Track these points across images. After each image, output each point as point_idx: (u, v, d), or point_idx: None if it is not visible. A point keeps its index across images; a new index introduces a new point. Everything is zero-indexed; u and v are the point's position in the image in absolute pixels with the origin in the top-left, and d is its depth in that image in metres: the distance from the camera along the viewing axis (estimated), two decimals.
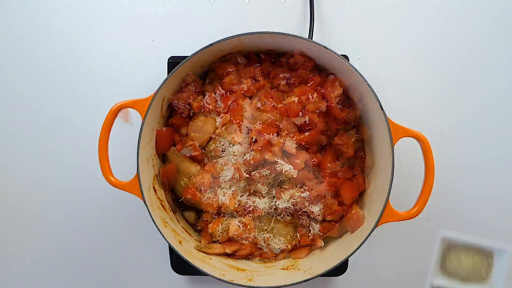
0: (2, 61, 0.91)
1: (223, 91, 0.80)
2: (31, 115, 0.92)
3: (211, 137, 0.81)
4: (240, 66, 0.81)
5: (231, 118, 0.80)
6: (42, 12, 0.91)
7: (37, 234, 0.93)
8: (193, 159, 0.82)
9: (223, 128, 0.80)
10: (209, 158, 0.81)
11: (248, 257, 0.84)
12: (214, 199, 0.80)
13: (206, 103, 0.80)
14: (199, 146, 0.81)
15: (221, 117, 0.80)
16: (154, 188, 0.79)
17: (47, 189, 0.92)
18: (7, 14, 0.91)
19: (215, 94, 0.80)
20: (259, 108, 0.80)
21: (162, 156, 0.84)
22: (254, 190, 0.81)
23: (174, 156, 0.82)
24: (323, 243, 0.81)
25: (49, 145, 0.91)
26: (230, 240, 0.81)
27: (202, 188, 0.80)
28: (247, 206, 0.81)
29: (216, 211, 0.81)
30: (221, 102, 0.80)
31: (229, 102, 0.80)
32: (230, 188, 0.81)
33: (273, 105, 0.81)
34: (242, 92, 0.81)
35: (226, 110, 0.80)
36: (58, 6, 0.91)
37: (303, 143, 0.79)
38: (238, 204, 0.80)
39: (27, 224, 0.93)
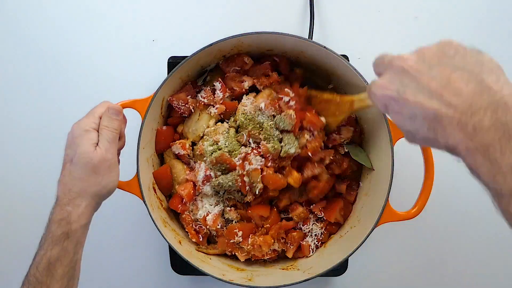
0: (1, 61, 0.92)
1: (222, 82, 0.79)
2: (31, 115, 0.92)
3: (203, 134, 0.80)
4: (246, 66, 0.80)
5: (227, 109, 0.79)
6: (42, 11, 0.91)
7: (37, 233, 0.93)
8: (183, 162, 0.81)
9: (212, 129, 0.78)
10: (196, 157, 0.79)
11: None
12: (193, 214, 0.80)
13: (201, 97, 0.79)
14: (192, 143, 0.80)
15: (217, 108, 0.79)
16: (154, 188, 0.79)
17: (46, 188, 0.92)
18: (8, 14, 0.91)
19: (214, 84, 0.79)
20: (260, 108, 0.79)
21: (163, 157, 0.84)
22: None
23: (168, 159, 0.82)
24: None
25: (49, 145, 0.91)
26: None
27: (184, 200, 0.78)
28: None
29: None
30: (220, 92, 0.79)
31: (227, 95, 0.79)
32: (213, 205, 0.80)
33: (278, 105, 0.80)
34: (243, 89, 0.80)
35: (222, 101, 0.79)
36: (58, 5, 0.91)
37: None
38: (220, 226, 0.79)
39: (26, 223, 0.93)
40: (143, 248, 0.93)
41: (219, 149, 0.76)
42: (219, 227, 0.79)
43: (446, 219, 0.91)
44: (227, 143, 0.77)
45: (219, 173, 0.76)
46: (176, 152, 0.80)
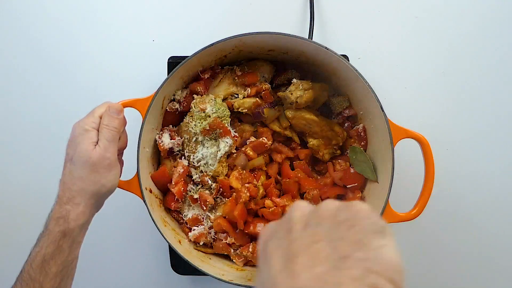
0: (2, 61, 0.91)
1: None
2: (32, 115, 0.92)
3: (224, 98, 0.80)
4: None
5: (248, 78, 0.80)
6: (42, 12, 0.91)
7: (37, 233, 0.93)
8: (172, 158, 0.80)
9: (198, 100, 0.78)
10: (182, 132, 0.79)
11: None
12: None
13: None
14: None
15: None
16: (149, 190, 0.78)
17: (46, 188, 0.92)
18: (8, 14, 0.91)
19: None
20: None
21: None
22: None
23: (163, 159, 0.81)
24: None
25: (49, 144, 0.91)
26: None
27: (176, 197, 0.78)
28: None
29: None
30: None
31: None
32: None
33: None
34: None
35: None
36: (58, 5, 0.91)
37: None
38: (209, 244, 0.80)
39: (26, 223, 0.93)
40: (143, 248, 0.93)
41: (208, 116, 0.76)
42: (207, 239, 0.80)
43: (446, 220, 0.91)
44: (214, 109, 0.76)
45: (207, 141, 0.77)
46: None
